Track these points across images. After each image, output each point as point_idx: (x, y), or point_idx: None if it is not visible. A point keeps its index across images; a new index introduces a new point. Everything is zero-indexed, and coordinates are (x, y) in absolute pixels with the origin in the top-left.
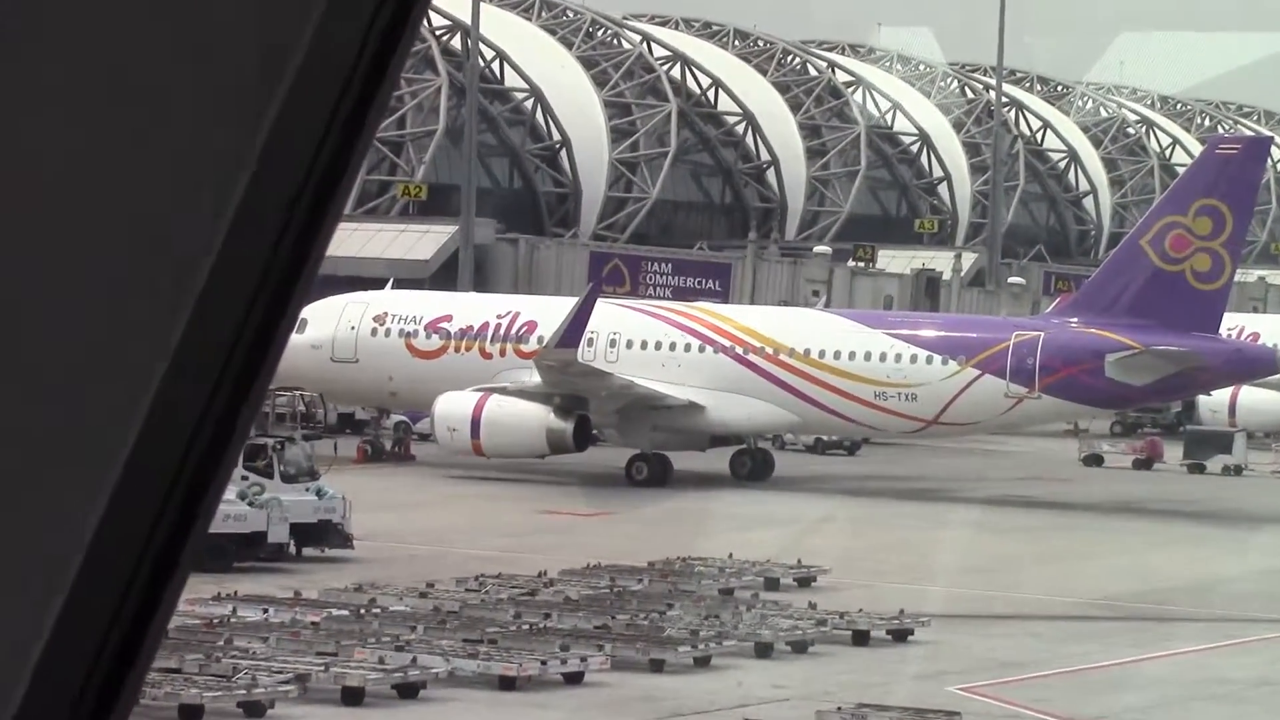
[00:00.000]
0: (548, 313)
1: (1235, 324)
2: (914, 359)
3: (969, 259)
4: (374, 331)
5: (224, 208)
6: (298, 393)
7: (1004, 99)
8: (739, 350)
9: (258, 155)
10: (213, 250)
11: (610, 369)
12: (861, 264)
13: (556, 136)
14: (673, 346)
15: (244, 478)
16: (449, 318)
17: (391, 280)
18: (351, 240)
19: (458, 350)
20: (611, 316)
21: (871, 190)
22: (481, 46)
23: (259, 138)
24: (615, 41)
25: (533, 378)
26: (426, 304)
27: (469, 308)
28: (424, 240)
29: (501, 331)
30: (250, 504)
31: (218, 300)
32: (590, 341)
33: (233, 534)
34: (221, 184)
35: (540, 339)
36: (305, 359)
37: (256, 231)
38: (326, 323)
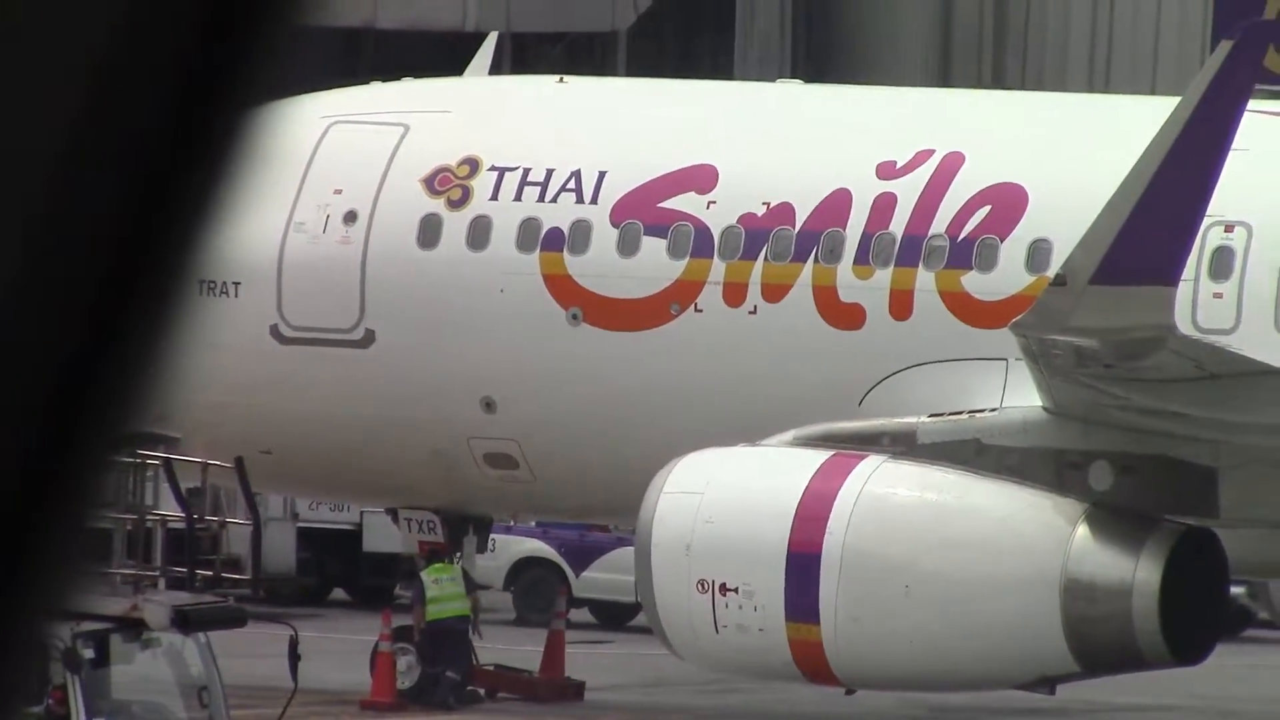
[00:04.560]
0: (1063, 165)
1: None
2: None
3: None
4: (429, 230)
5: None
6: (153, 462)
7: None
8: None
9: None
10: None
11: None
12: None
13: None
14: None
15: None
16: (706, 175)
17: (490, 41)
18: None
19: (735, 298)
20: None
21: None
22: None
23: None
24: None
25: (1010, 397)
26: (624, 121)
27: (777, 146)
28: None
29: (894, 226)
30: None
31: None
32: (1219, 261)
33: None
34: None
35: (1038, 259)
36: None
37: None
38: (270, 206)
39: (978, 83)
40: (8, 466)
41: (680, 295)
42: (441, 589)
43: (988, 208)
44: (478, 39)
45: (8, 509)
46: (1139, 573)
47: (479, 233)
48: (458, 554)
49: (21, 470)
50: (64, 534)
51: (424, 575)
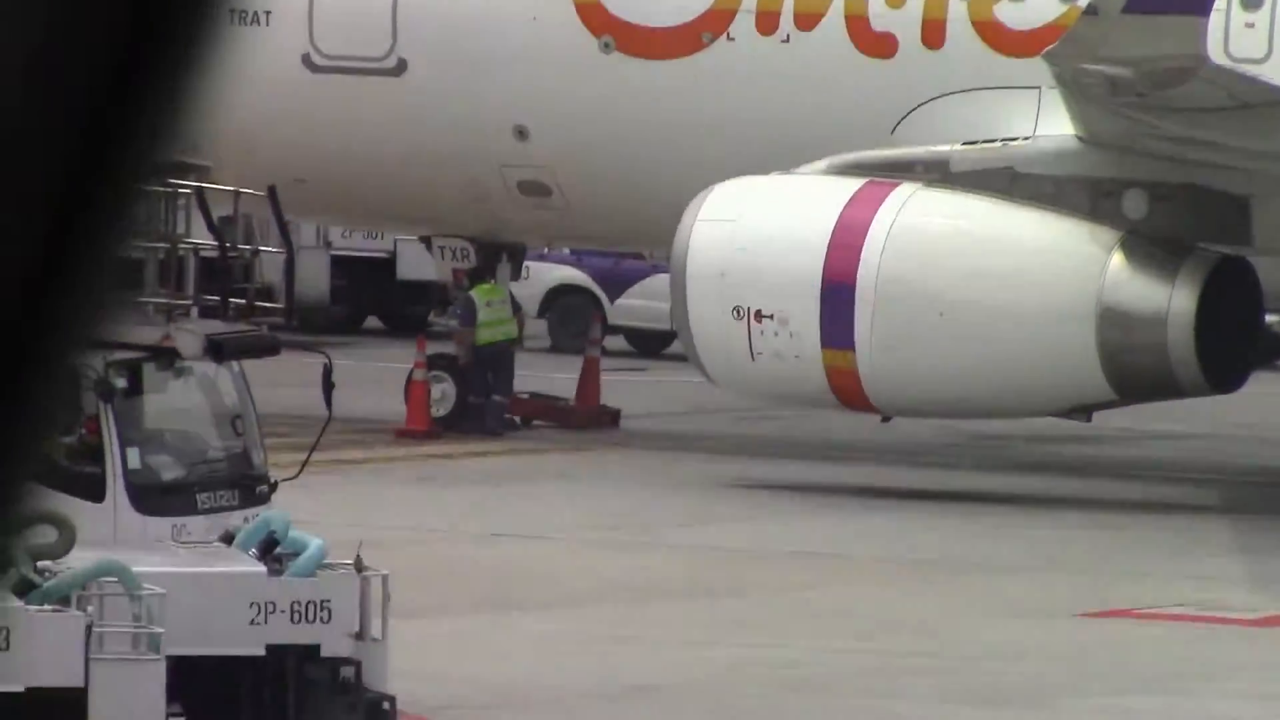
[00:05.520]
0: None
1: None
2: None
3: None
4: None
5: None
6: (185, 190)
7: None
8: None
9: None
10: None
11: None
12: None
13: None
14: None
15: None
16: None
17: None
18: None
19: (768, 27)
20: None
21: None
22: None
23: None
24: None
25: (1043, 125)
26: None
27: None
28: None
29: None
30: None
31: None
32: None
33: None
34: None
35: None
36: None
37: None
38: None
39: None
40: (39, 196)
41: (712, 24)
42: (493, 311)
43: None
44: None
45: (40, 239)
46: (1174, 301)
47: None
48: (491, 278)
49: (55, 200)
50: (96, 263)
51: (475, 296)
